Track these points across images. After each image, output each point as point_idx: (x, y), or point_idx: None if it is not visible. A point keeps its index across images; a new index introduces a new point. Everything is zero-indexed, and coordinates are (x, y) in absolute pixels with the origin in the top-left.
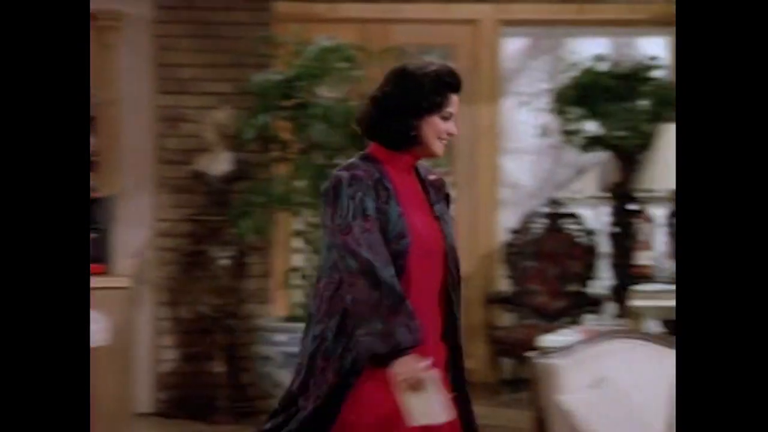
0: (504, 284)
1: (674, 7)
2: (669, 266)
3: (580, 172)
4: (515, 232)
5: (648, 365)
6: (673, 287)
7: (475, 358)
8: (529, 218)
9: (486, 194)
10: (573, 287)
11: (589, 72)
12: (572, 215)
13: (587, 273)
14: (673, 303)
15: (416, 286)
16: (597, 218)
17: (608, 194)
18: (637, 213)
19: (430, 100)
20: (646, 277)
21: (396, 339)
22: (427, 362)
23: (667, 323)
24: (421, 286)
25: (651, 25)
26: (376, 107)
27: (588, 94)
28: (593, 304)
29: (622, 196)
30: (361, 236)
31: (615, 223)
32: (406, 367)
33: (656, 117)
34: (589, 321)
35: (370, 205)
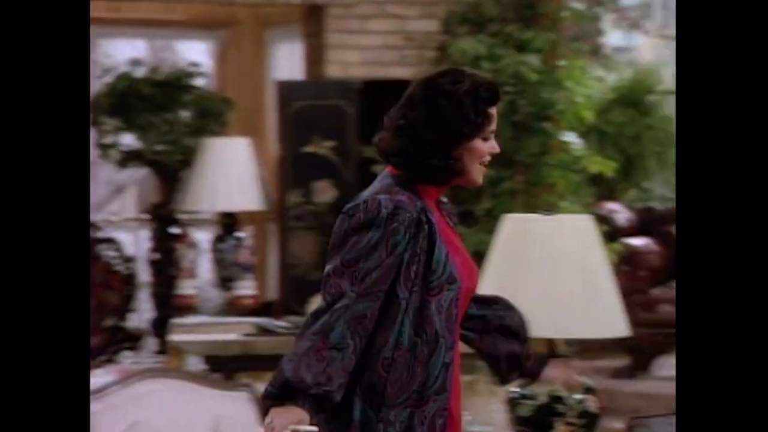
0: None
1: (214, 8)
2: (214, 296)
3: (118, 191)
4: None
5: (184, 407)
6: (219, 319)
7: None
8: None
9: None
10: (110, 321)
11: (125, 78)
12: (109, 240)
13: (126, 305)
14: (216, 337)
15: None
16: (136, 243)
17: (148, 216)
18: (179, 237)
19: (472, 123)
20: (190, 309)
21: (306, 376)
22: (313, 429)
23: (209, 359)
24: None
25: (190, 26)
26: (404, 138)
27: (124, 102)
28: (132, 339)
29: (164, 218)
30: (370, 273)
31: (156, 249)
32: (286, 418)
33: (199, 130)
34: (127, 359)
35: (402, 242)
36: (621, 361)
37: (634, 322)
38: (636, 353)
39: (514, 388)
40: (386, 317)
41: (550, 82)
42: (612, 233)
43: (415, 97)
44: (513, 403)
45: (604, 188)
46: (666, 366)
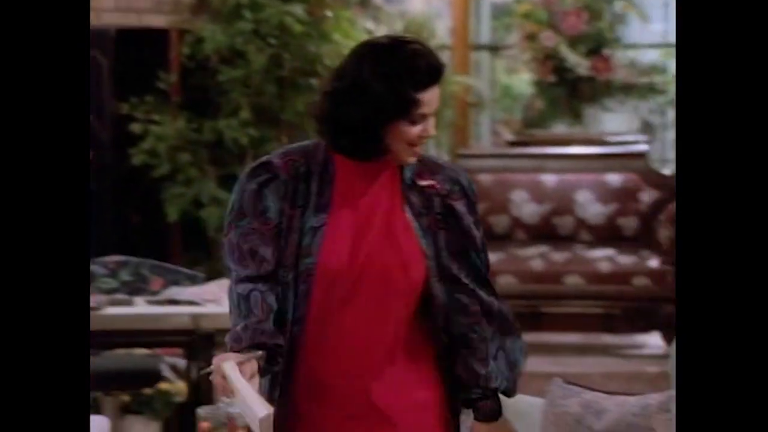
0: None
1: None
2: None
3: None
4: None
5: None
6: None
7: None
8: None
9: None
10: None
11: None
12: None
13: None
14: None
15: (333, 320)
16: None
17: None
18: None
19: (394, 107)
20: None
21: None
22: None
23: None
24: (349, 320)
25: None
26: (328, 105)
27: None
28: None
29: None
30: (239, 240)
31: None
32: (214, 373)
33: None
34: None
35: (272, 206)
36: None
37: None
38: None
39: None
40: None
41: (316, 35)
42: None
43: (345, 64)
44: None
45: None
46: None
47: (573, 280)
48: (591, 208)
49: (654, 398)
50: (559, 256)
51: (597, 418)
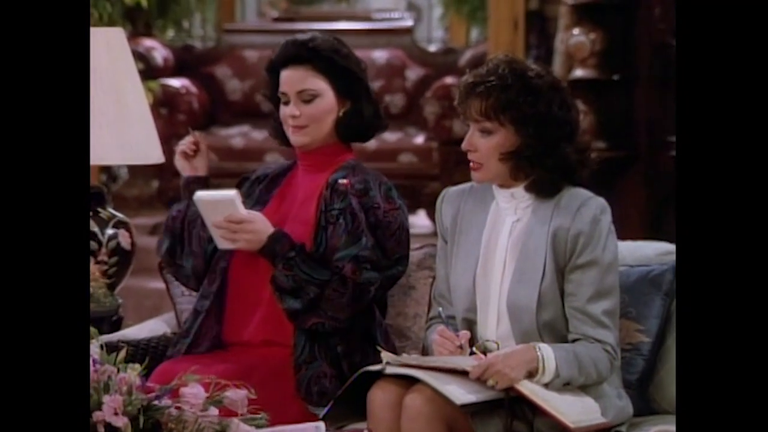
0: None
1: None
2: None
3: None
4: None
5: None
6: None
7: None
8: None
9: None
10: None
11: None
12: None
13: None
14: None
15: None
16: None
17: None
18: None
19: (267, 93)
20: None
21: None
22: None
23: None
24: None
25: None
26: None
27: None
28: None
29: None
30: None
31: None
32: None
33: None
34: None
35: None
36: (159, 218)
37: (175, 171)
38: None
39: None
40: None
41: None
42: (149, 72)
43: None
44: None
45: (140, 24)
46: None
47: None
48: None
49: (413, 255)
50: None
51: None
